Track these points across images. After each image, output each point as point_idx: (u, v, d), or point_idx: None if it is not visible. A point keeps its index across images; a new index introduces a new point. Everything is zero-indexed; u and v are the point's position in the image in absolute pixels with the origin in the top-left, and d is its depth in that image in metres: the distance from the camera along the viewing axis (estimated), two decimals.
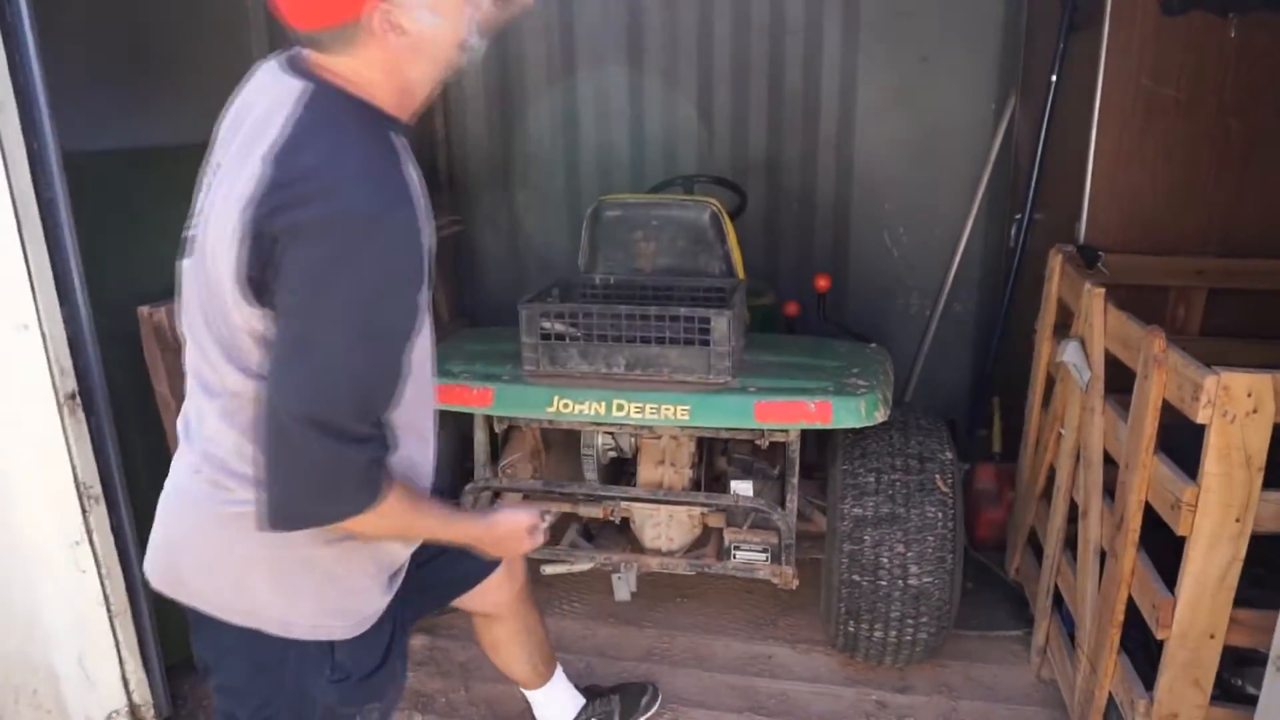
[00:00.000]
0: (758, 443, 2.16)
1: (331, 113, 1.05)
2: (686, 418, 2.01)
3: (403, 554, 1.28)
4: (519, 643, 1.81)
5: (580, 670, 2.22)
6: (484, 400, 2.10)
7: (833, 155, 3.59)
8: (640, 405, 2.02)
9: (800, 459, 2.15)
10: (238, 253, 1.01)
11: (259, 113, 1.07)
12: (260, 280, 1.01)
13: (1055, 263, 2.27)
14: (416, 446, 1.21)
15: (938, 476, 2.01)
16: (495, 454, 2.32)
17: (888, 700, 2.12)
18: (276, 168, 1.00)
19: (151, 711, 1.94)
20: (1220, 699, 1.57)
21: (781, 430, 2.07)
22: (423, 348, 1.16)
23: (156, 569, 1.21)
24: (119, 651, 1.86)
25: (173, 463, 1.22)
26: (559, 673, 1.93)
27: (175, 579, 1.19)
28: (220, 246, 1.03)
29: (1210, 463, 1.42)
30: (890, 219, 3.58)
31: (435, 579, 1.45)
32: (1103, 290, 1.89)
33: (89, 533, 1.80)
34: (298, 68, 1.08)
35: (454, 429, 2.30)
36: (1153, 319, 1.68)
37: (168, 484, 1.22)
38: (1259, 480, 1.41)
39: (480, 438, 2.25)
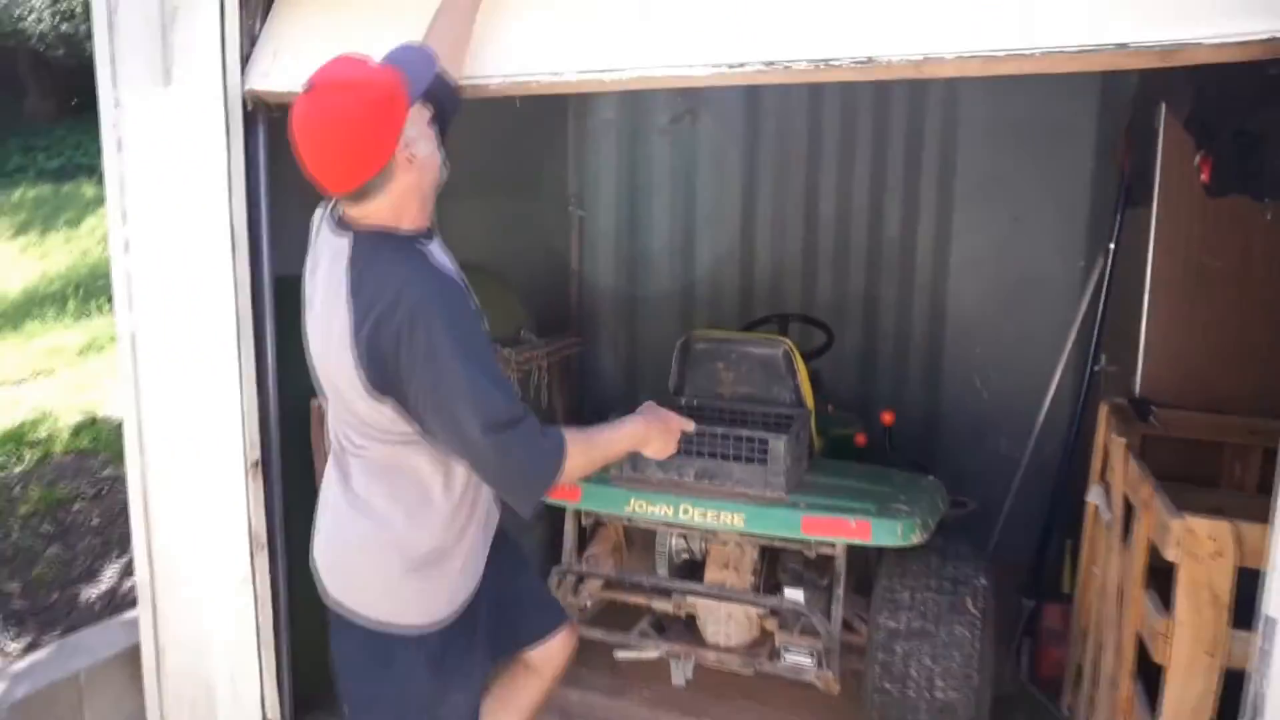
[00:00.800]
0: (807, 555, 2.41)
1: (370, 251, 1.49)
2: (742, 524, 2.30)
3: (465, 586, 1.67)
4: (534, 703, 1.98)
5: None
6: (573, 496, 2.48)
7: (927, 299, 3.86)
8: (704, 510, 2.33)
9: (853, 576, 2.37)
10: (358, 371, 1.45)
11: (325, 266, 1.54)
12: (382, 384, 1.45)
13: (1103, 414, 2.45)
14: (448, 491, 1.60)
15: (968, 599, 2.19)
16: (582, 545, 2.66)
17: None
18: (355, 308, 1.46)
19: None
20: None
21: (828, 544, 2.32)
22: None
23: (319, 576, 1.66)
24: (260, 674, 2.28)
25: (324, 494, 1.66)
26: None
27: (324, 587, 1.64)
28: (340, 369, 1.49)
29: (1180, 599, 1.59)
30: (981, 362, 3.78)
31: (522, 610, 1.85)
32: (1124, 440, 2.07)
33: (253, 574, 2.25)
34: (341, 225, 1.54)
35: (548, 521, 2.67)
36: (1208, 474, 1.83)
37: (325, 510, 1.66)
38: (1225, 617, 1.56)
39: (569, 529, 2.61)
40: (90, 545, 3.31)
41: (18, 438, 4.27)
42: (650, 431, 1.70)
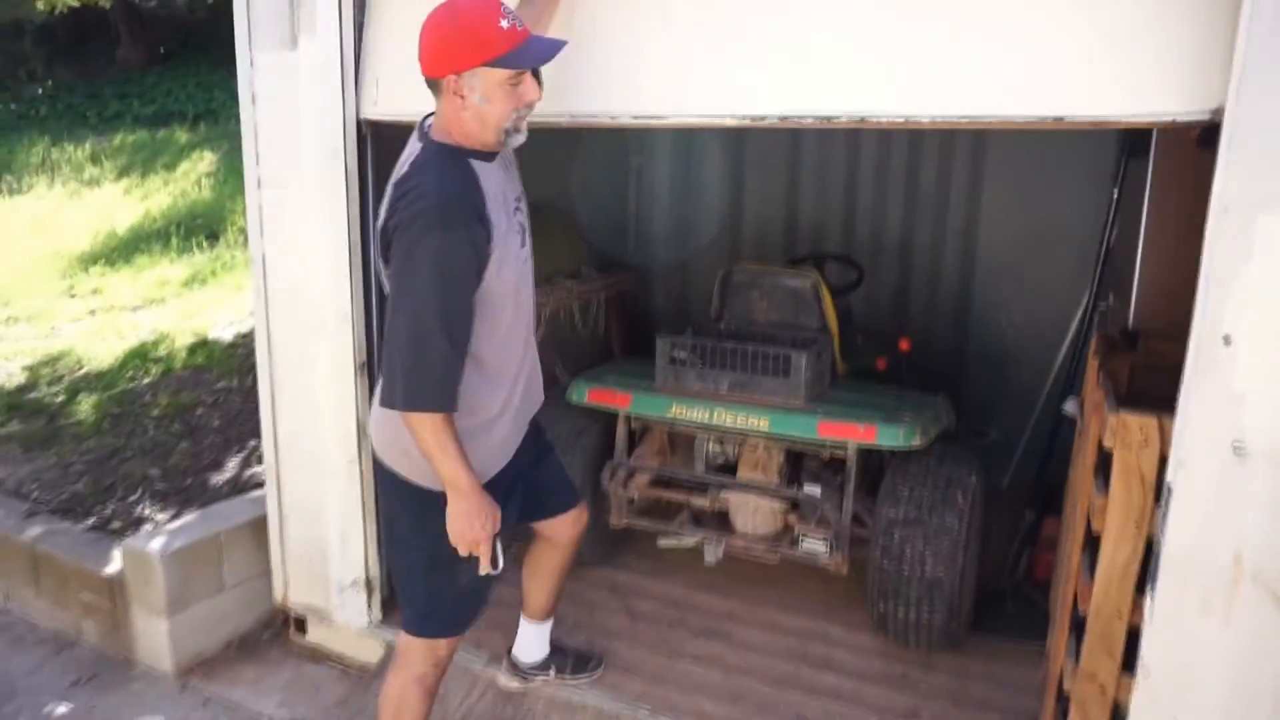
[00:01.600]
0: (824, 457, 2.80)
1: (429, 155, 1.79)
2: (766, 427, 2.70)
3: (493, 464, 1.96)
4: (554, 574, 2.42)
5: (674, 619, 2.91)
6: (624, 402, 2.90)
7: (959, 243, 4.15)
8: (734, 415, 2.74)
9: (864, 479, 2.76)
10: (378, 248, 1.82)
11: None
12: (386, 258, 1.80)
13: (1094, 344, 2.76)
14: (482, 384, 1.87)
15: (958, 493, 2.56)
16: (631, 447, 3.09)
17: (910, 673, 2.65)
18: (393, 189, 1.78)
19: (377, 583, 2.84)
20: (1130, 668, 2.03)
21: (841, 446, 2.71)
22: (503, 313, 1.85)
23: (373, 436, 2.02)
24: (365, 538, 2.78)
25: None
26: (550, 624, 2.54)
27: (377, 441, 1.99)
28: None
29: (1115, 480, 1.93)
30: (1007, 302, 4.06)
31: (543, 490, 2.18)
32: (1097, 361, 2.40)
33: (359, 456, 2.74)
34: (420, 132, 1.85)
35: (602, 424, 3.10)
36: None
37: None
38: (1149, 495, 1.91)
39: (621, 431, 3.04)
40: (214, 442, 3.87)
41: (142, 354, 4.87)
42: (455, 506, 1.84)
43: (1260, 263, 1.57)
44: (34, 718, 2.69)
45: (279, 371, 2.83)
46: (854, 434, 2.60)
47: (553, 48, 1.78)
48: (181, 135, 10.33)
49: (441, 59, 1.72)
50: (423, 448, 1.79)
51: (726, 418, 2.74)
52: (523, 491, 2.09)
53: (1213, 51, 1.63)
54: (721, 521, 3.06)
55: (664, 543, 3.10)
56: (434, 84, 1.78)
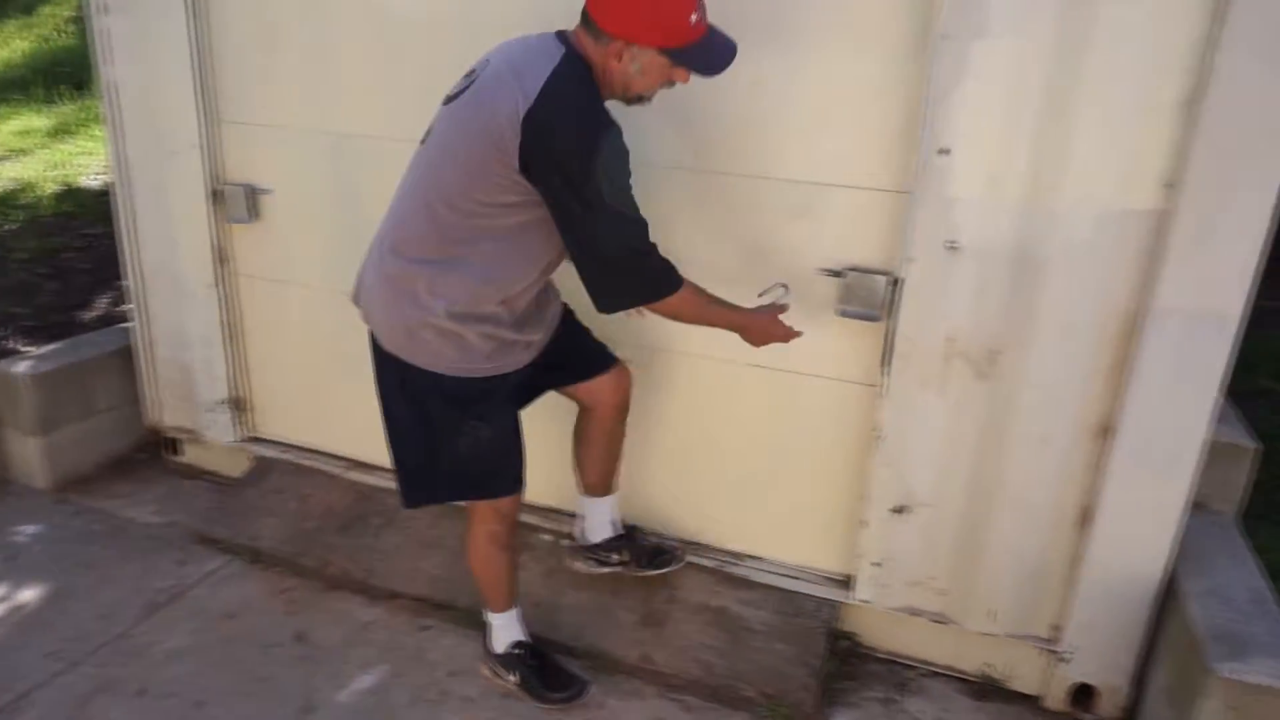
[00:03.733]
0: None
1: (570, 72, 1.67)
2: None
3: (524, 355, 1.91)
4: (601, 445, 2.28)
5: None
6: None
7: None
8: None
9: None
10: (505, 149, 1.62)
11: (518, 55, 1.70)
12: (530, 168, 1.64)
13: None
14: (522, 264, 1.80)
15: None
16: None
17: None
18: (539, 97, 1.62)
19: (245, 401, 3.05)
20: None
21: None
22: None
23: (359, 301, 1.94)
24: (227, 358, 2.96)
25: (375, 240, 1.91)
26: (612, 500, 2.40)
27: (366, 312, 1.93)
28: (474, 142, 1.66)
29: None
30: None
31: (568, 356, 2.05)
32: None
33: (216, 280, 2.88)
34: (563, 37, 1.71)
35: None
36: None
37: (366, 265, 1.93)
38: None
39: None
40: (83, 283, 3.93)
41: (4, 202, 4.79)
42: (754, 327, 1.96)
43: (971, 84, 1.84)
44: None
45: (137, 201, 2.92)
46: None
47: (725, 59, 1.73)
48: None
49: (621, 21, 1.65)
50: (692, 321, 1.90)
51: None
52: (547, 359, 2.03)
53: None
54: None
55: None
56: (596, 30, 1.68)
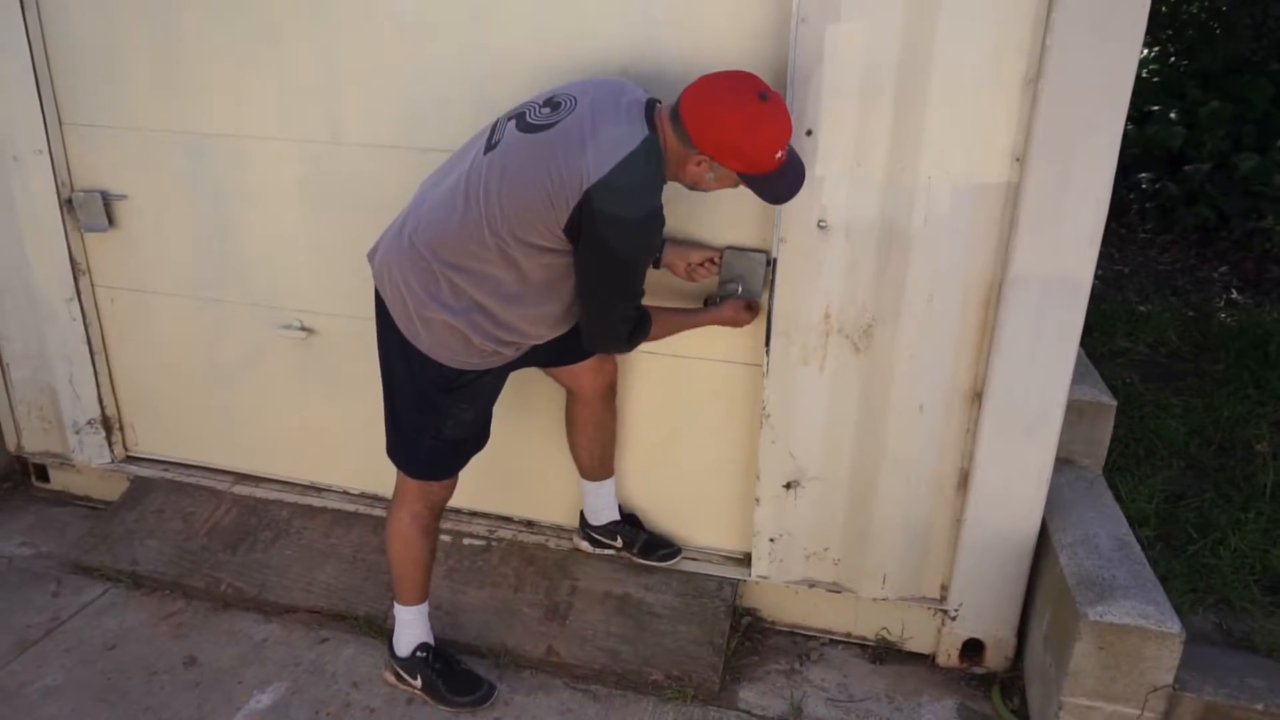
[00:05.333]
0: None
1: (644, 160, 1.71)
2: None
3: (509, 353, 1.95)
4: (588, 429, 2.32)
5: None
6: None
7: None
8: None
9: None
10: (558, 207, 1.69)
11: (603, 113, 1.73)
12: (575, 232, 1.72)
13: None
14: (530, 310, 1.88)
15: None
16: None
17: None
18: (610, 172, 1.67)
19: (117, 420, 2.90)
20: None
21: None
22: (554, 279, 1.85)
23: (374, 261, 1.94)
24: (96, 374, 2.80)
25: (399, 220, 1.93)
26: (611, 482, 2.42)
27: (379, 280, 1.93)
28: (533, 185, 1.71)
29: None
30: None
31: (553, 340, 2.01)
32: None
33: (77, 293, 2.72)
34: (649, 113, 1.75)
35: None
36: None
37: (389, 230, 1.94)
38: None
39: None
40: None
41: None
42: (721, 323, 2.12)
43: (830, 66, 1.89)
44: None
45: None
46: None
47: (793, 189, 1.80)
48: None
49: (713, 143, 1.70)
50: (663, 338, 2.07)
51: None
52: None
53: None
54: None
55: None
56: (684, 134, 1.72)
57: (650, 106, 1.78)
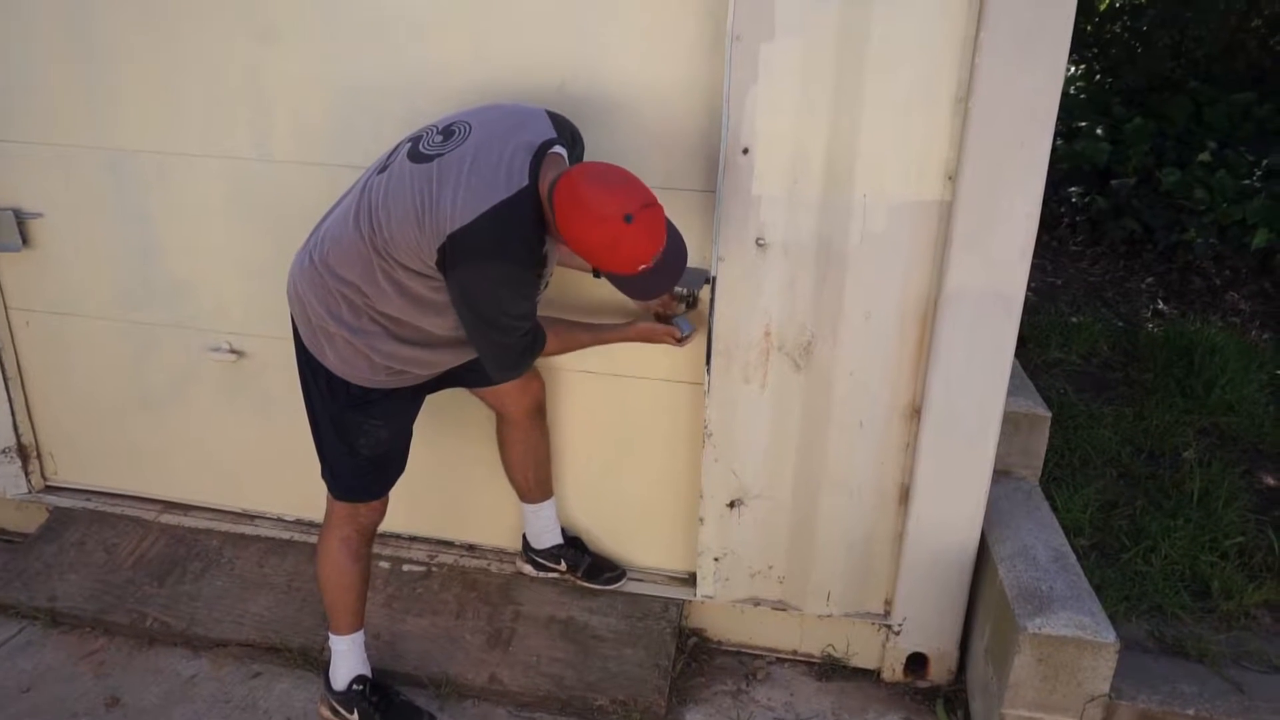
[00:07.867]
0: None
1: (513, 215, 1.67)
2: None
3: (420, 372, 1.93)
4: (519, 450, 2.30)
5: None
6: None
7: None
8: None
9: None
10: (426, 242, 1.67)
11: (486, 152, 1.69)
12: (443, 266, 1.68)
13: None
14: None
15: None
16: None
17: None
18: (475, 221, 1.64)
19: (33, 448, 2.76)
20: None
21: None
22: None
23: (287, 287, 1.92)
24: (10, 401, 2.67)
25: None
26: (550, 504, 2.39)
27: (291, 303, 1.92)
28: (406, 217, 1.69)
29: None
30: None
31: (475, 361, 1.94)
32: None
33: None
34: (535, 164, 1.69)
35: None
36: None
37: (300, 248, 1.91)
38: None
39: None
40: None
41: None
42: (633, 340, 2.08)
43: (764, 84, 1.89)
44: None
45: None
46: None
47: (657, 291, 1.80)
48: None
49: (576, 245, 1.68)
50: (566, 352, 2.05)
51: None
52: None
53: None
54: None
55: None
56: (553, 220, 1.70)
57: (541, 151, 1.72)
